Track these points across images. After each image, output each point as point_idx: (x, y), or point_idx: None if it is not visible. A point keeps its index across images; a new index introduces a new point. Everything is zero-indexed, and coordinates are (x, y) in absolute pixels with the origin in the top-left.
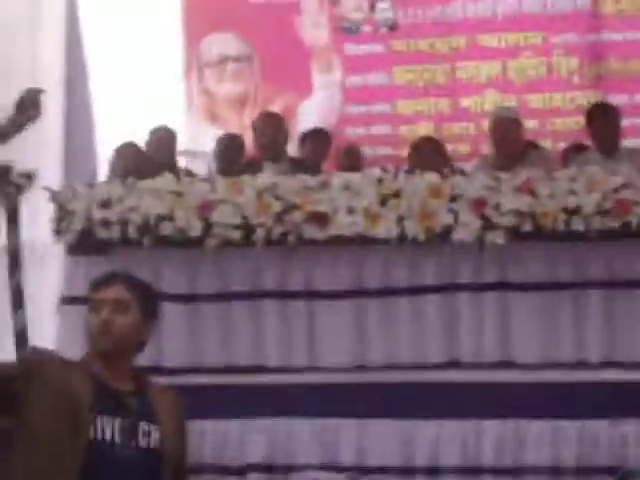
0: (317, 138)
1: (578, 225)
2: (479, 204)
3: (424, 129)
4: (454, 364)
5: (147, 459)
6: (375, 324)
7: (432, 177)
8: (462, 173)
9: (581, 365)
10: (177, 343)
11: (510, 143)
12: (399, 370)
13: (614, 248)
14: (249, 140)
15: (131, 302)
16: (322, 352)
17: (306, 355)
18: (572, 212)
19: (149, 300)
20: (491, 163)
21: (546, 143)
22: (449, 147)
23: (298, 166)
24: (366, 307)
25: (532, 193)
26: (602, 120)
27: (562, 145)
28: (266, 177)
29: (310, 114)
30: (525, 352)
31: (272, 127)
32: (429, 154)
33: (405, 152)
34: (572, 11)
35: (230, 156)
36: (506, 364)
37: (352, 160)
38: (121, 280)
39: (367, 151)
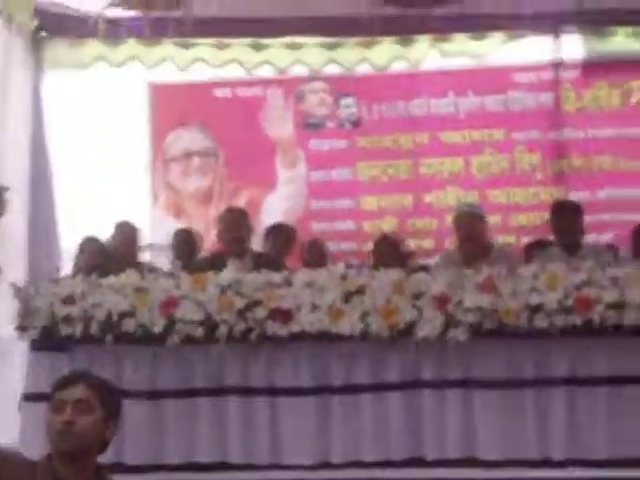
0: (280, 233)
1: (541, 322)
2: (442, 301)
3: (388, 224)
4: (418, 461)
5: None
6: (338, 421)
7: (396, 274)
8: (424, 269)
9: (545, 463)
10: (139, 440)
11: (474, 239)
12: (363, 468)
13: (576, 345)
14: (213, 235)
15: (93, 402)
16: (285, 449)
17: (269, 452)
18: (534, 309)
19: (112, 399)
20: (455, 259)
21: (509, 239)
22: (412, 242)
23: (262, 261)
24: (329, 404)
25: (495, 290)
26: (564, 217)
27: (525, 241)
28: (229, 273)
29: (274, 209)
30: (489, 449)
31: (236, 223)
32: (387, 253)
33: (369, 247)
34: (534, 108)
35: (185, 250)
36: (470, 461)
37: (316, 255)
38: (83, 380)
39: (331, 246)
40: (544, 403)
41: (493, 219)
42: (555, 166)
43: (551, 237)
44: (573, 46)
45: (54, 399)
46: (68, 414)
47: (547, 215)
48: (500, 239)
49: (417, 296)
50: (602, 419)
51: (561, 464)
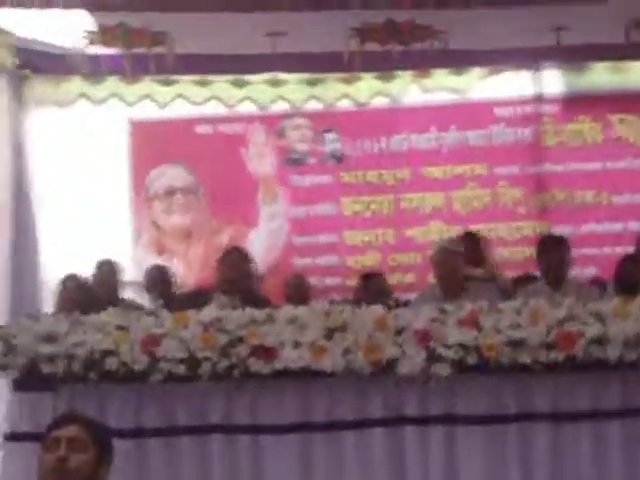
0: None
1: (523, 358)
2: (424, 337)
3: (371, 259)
4: None
5: None
6: (321, 458)
7: (378, 310)
8: (405, 305)
9: None
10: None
11: (452, 275)
12: None
13: (559, 381)
14: (196, 272)
15: (88, 442)
16: None
17: None
18: (517, 345)
19: (105, 440)
20: (436, 294)
21: None
22: (395, 277)
23: (249, 299)
24: (312, 441)
25: (477, 325)
26: (552, 251)
27: (509, 274)
28: (211, 310)
29: (257, 245)
30: None
31: (233, 263)
32: (373, 289)
33: (353, 282)
34: (515, 143)
35: (159, 287)
36: None
37: (299, 291)
38: (77, 419)
39: (315, 281)
40: (527, 439)
41: None
42: (538, 200)
43: (536, 272)
44: (553, 81)
45: (48, 438)
46: (62, 451)
47: (530, 249)
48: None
49: (399, 332)
50: (586, 455)
51: None
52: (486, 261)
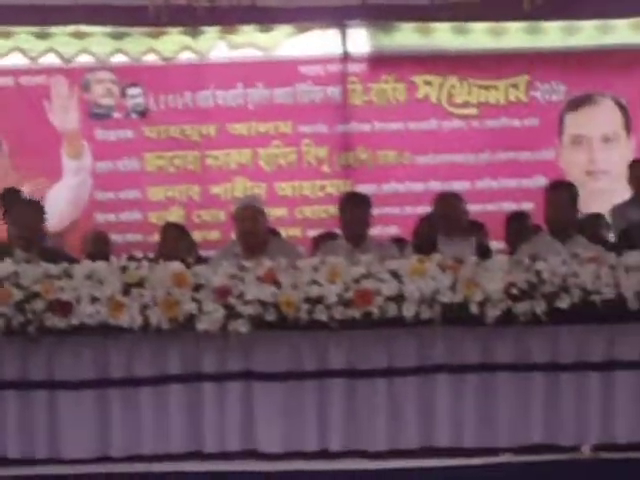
0: None
1: (320, 315)
2: (223, 293)
3: (174, 215)
4: (197, 455)
5: None
6: (119, 414)
7: (176, 266)
8: (206, 261)
9: (323, 454)
10: None
11: (252, 232)
12: (142, 461)
13: (356, 338)
14: None
15: None
16: (64, 444)
17: (48, 446)
18: (315, 302)
19: None
20: (236, 250)
21: (295, 231)
22: (199, 234)
23: (47, 254)
24: (109, 397)
25: (275, 282)
26: (352, 209)
27: (311, 233)
28: (7, 265)
29: (59, 199)
30: (269, 441)
31: (27, 218)
32: (174, 241)
33: (156, 239)
34: (322, 102)
35: None
36: (249, 453)
37: (100, 247)
38: None
39: (117, 238)
40: (324, 395)
41: (280, 211)
42: (342, 159)
43: (338, 230)
44: (359, 40)
45: None
46: None
47: (334, 208)
48: (288, 231)
49: (198, 288)
50: (381, 411)
51: (339, 455)
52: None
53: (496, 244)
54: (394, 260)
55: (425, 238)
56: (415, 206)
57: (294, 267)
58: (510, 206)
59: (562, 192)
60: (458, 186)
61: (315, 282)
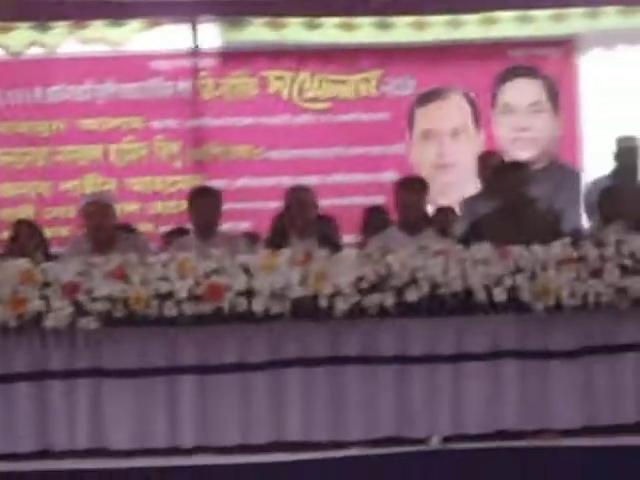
0: None
1: (171, 310)
2: (71, 289)
3: (25, 212)
4: (44, 453)
5: None
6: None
7: (23, 263)
8: (56, 258)
9: (174, 451)
10: None
11: (101, 228)
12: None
13: (206, 333)
14: None
15: None
16: None
17: None
18: (165, 297)
19: None
20: (85, 246)
21: (147, 226)
22: (50, 230)
23: None
24: None
25: (125, 278)
26: (197, 204)
27: (164, 229)
28: None
29: None
30: (119, 439)
31: None
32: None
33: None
34: (173, 97)
35: None
36: (97, 451)
37: None
38: None
39: None
40: (175, 391)
41: (132, 207)
42: (194, 154)
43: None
44: (210, 35)
45: None
46: None
47: (185, 203)
48: (140, 227)
49: (46, 285)
50: (233, 406)
51: (191, 451)
52: None
53: (348, 238)
54: (244, 255)
55: (279, 233)
56: (267, 201)
57: (144, 263)
58: (362, 200)
59: (412, 186)
60: (310, 181)
61: (165, 278)
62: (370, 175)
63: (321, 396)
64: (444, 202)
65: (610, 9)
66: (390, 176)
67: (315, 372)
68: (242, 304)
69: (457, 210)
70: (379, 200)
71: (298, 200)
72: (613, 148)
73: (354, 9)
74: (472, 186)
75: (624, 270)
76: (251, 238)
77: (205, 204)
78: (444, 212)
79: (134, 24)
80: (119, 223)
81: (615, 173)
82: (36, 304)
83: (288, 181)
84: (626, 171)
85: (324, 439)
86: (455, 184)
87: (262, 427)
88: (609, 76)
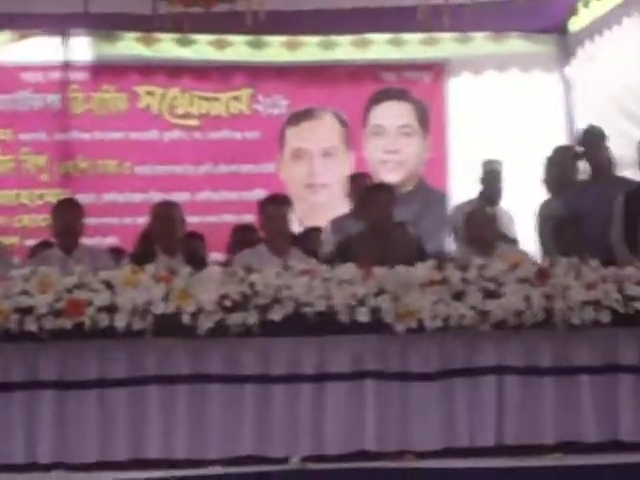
0: None
1: (31, 325)
2: None
3: None
4: None
5: None
6: None
7: None
8: None
9: (32, 467)
10: None
11: None
12: None
13: (67, 348)
14: None
15: None
16: None
17: None
18: (25, 312)
19: None
20: None
21: (14, 239)
22: None
23: None
24: None
25: None
26: (60, 216)
27: (30, 242)
28: None
29: None
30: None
31: None
32: None
33: None
34: (42, 109)
35: None
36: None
37: None
38: None
39: None
40: (33, 406)
41: None
42: (62, 168)
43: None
44: (81, 48)
45: None
46: None
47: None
48: (6, 240)
49: None
50: (92, 423)
51: (49, 467)
52: None
53: (217, 256)
54: (107, 270)
55: (145, 249)
56: (134, 216)
57: (5, 277)
58: (231, 218)
59: (274, 201)
60: (178, 197)
61: (26, 292)
62: (239, 193)
63: (182, 414)
64: (314, 222)
65: (480, 35)
66: (259, 194)
67: (176, 390)
68: (104, 320)
69: (326, 230)
70: (248, 218)
71: (165, 216)
72: (479, 171)
73: (228, 27)
74: (342, 206)
75: (486, 293)
76: (117, 253)
77: (66, 215)
78: (312, 232)
79: (4, 35)
80: None
81: (480, 196)
82: None
83: (156, 197)
84: (491, 194)
85: (184, 457)
86: (325, 204)
87: (121, 444)
88: (477, 101)
